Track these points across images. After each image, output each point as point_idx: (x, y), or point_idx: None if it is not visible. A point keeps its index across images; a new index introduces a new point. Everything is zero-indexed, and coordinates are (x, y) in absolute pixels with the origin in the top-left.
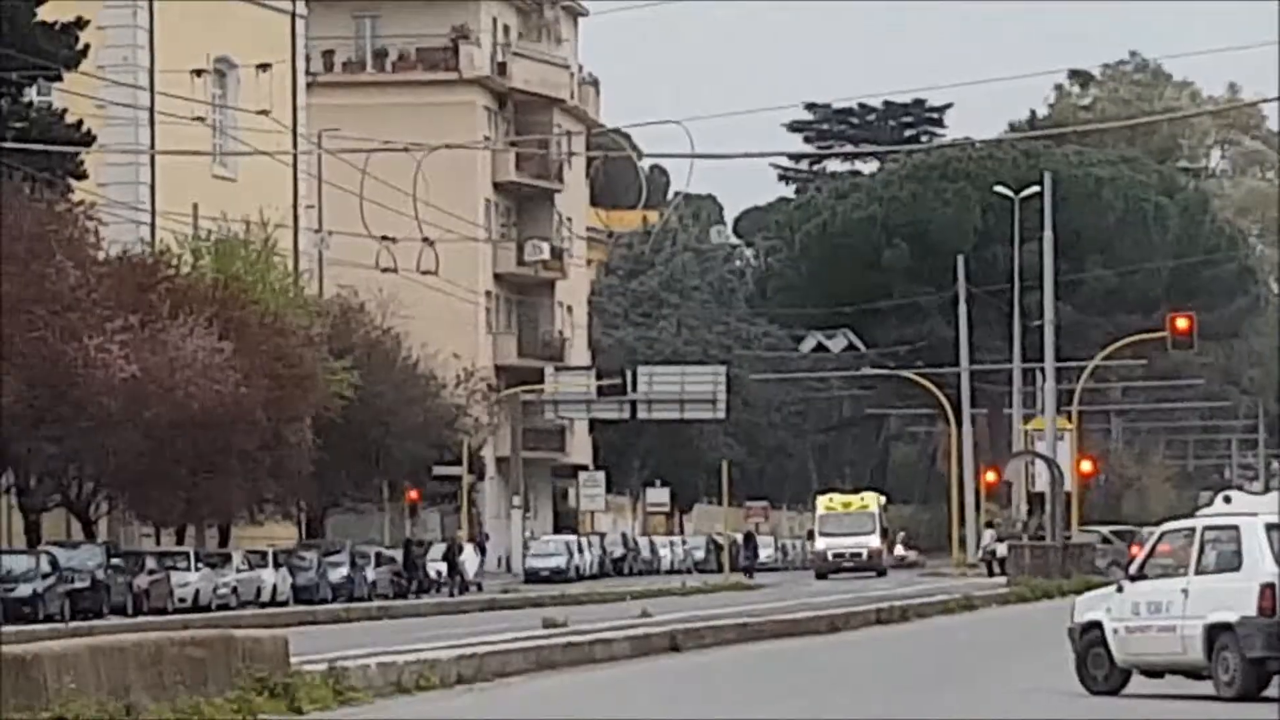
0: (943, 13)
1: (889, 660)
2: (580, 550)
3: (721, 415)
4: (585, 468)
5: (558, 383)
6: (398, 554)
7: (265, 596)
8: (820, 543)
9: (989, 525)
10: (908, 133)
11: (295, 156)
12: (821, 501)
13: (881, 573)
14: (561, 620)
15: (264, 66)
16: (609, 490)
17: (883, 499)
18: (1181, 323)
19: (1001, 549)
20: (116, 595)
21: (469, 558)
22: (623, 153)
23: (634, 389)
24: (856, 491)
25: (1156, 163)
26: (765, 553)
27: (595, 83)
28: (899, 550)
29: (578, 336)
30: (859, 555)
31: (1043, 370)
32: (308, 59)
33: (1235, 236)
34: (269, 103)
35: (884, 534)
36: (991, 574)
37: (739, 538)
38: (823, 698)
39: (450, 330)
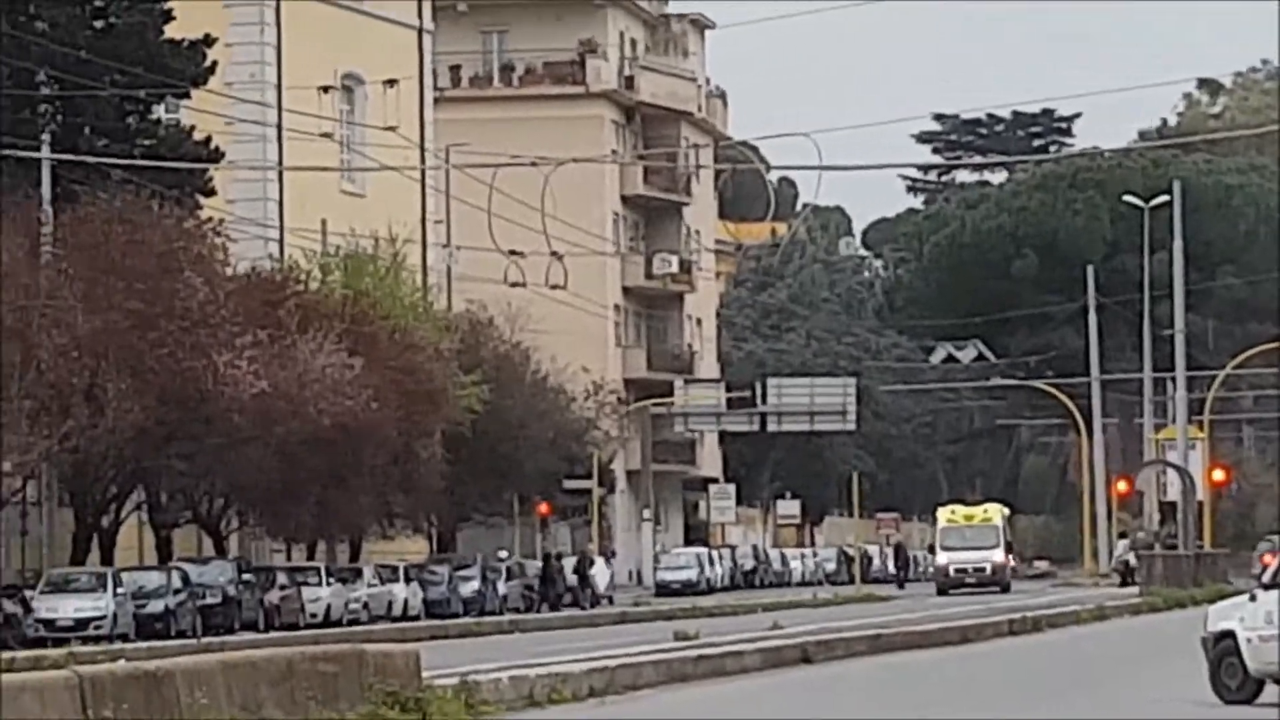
0: (1071, 21)
1: (1020, 670)
2: (711, 563)
3: (851, 426)
4: (715, 480)
5: (687, 395)
6: (529, 566)
7: (396, 611)
8: (941, 557)
9: (1122, 535)
10: (1036, 142)
11: (423, 172)
12: (942, 514)
13: (1005, 588)
14: (693, 633)
15: (391, 82)
16: (739, 502)
17: (1006, 510)
18: None
19: (1134, 559)
20: (247, 611)
21: (599, 571)
22: (751, 165)
23: (764, 401)
24: (984, 503)
25: None
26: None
27: (723, 95)
28: (1012, 561)
29: (707, 349)
30: (982, 570)
31: (1174, 379)
32: (435, 74)
33: None
34: (397, 118)
35: (1009, 548)
36: (1125, 584)
37: (889, 550)
38: (955, 707)
39: (579, 344)
